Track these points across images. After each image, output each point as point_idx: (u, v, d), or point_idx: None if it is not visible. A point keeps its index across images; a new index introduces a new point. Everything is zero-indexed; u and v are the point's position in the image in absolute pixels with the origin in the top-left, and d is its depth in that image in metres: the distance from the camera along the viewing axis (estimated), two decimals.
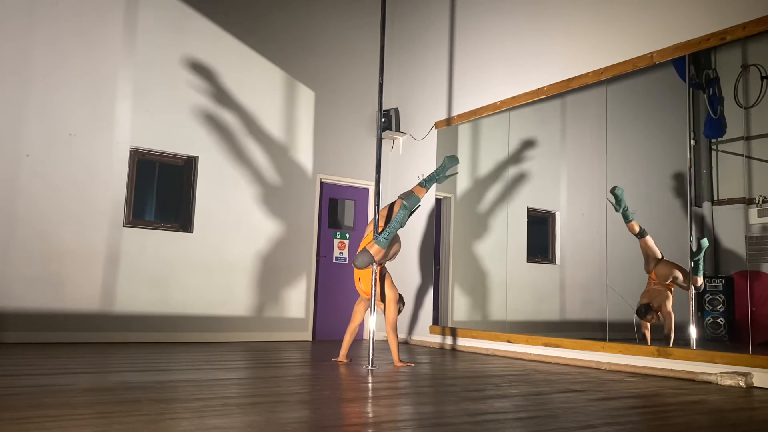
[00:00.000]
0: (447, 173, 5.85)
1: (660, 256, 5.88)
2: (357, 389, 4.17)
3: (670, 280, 5.77)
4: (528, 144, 7.36)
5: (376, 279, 5.22)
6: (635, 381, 4.83)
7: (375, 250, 5.24)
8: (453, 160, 5.86)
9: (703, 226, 5.86)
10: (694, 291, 5.49)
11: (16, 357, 5.24)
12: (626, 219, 5.98)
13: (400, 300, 5.57)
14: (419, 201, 5.56)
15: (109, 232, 6.84)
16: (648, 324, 5.84)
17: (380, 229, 5.35)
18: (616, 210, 6.01)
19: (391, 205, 5.67)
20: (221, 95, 7.65)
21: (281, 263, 7.88)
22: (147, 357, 5.56)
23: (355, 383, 4.43)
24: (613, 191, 6.03)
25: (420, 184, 5.73)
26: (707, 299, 5.73)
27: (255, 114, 7.87)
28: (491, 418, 3.19)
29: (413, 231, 8.18)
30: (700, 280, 5.53)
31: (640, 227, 5.95)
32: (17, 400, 3.28)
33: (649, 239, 5.93)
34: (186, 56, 7.45)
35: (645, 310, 5.83)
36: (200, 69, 7.53)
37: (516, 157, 7.36)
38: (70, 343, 6.42)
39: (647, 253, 5.93)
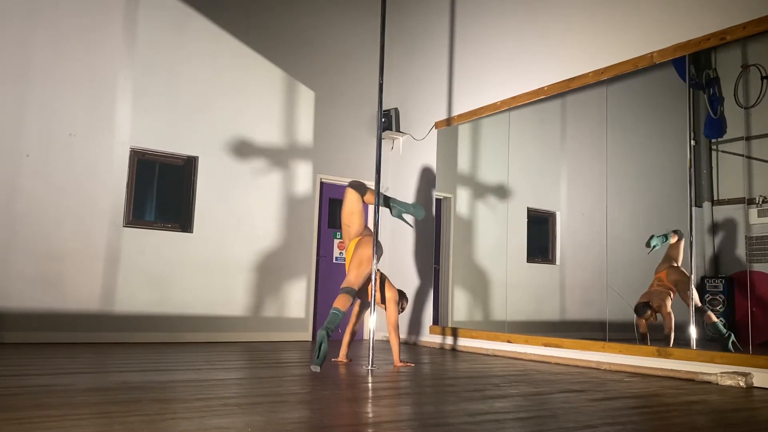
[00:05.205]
0: (403, 215, 5.77)
1: (680, 262, 5.79)
2: (357, 389, 4.17)
3: (677, 286, 5.75)
4: (529, 146, 7.36)
5: (375, 281, 5.22)
6: (635, 381, 4.83)
7: (369, 197, 5.45)
8: (419, 212, 5.70)
9: (703, 226, 5.86)
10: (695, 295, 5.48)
11: (16, 357, 5.24)
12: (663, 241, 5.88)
13: (403, 297, 5.57)
14: (402, 212, 5.70)
15: (109, 232, 6.84)
16: (644, 322, 5.84)
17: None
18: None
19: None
20: (221, 95, 7.65)
21: (281, 263, 7.88)
22: (147, 357, 5.56)
23: (355, 383, 4.43)
24: (648, 244, 5.89)
25: (385, 196, 5.78)
26: (707, 299, 5.73)
27: (255, 114, 7.87)
28: (491, 418, 3.19)
29: (413, 231, 8.18)
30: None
31: (678, 232, 5.80)
32: (17, 400, 3.28)
33: (683, 242, 5.78)
34: (186, 56, 7.45)
35: (642, 307, 5.83)
36: (200, 69, 7.53)
37: (516, 157, 7.35)
38: (70, 343, 6.42)
39: (671, 255, 5.82)
